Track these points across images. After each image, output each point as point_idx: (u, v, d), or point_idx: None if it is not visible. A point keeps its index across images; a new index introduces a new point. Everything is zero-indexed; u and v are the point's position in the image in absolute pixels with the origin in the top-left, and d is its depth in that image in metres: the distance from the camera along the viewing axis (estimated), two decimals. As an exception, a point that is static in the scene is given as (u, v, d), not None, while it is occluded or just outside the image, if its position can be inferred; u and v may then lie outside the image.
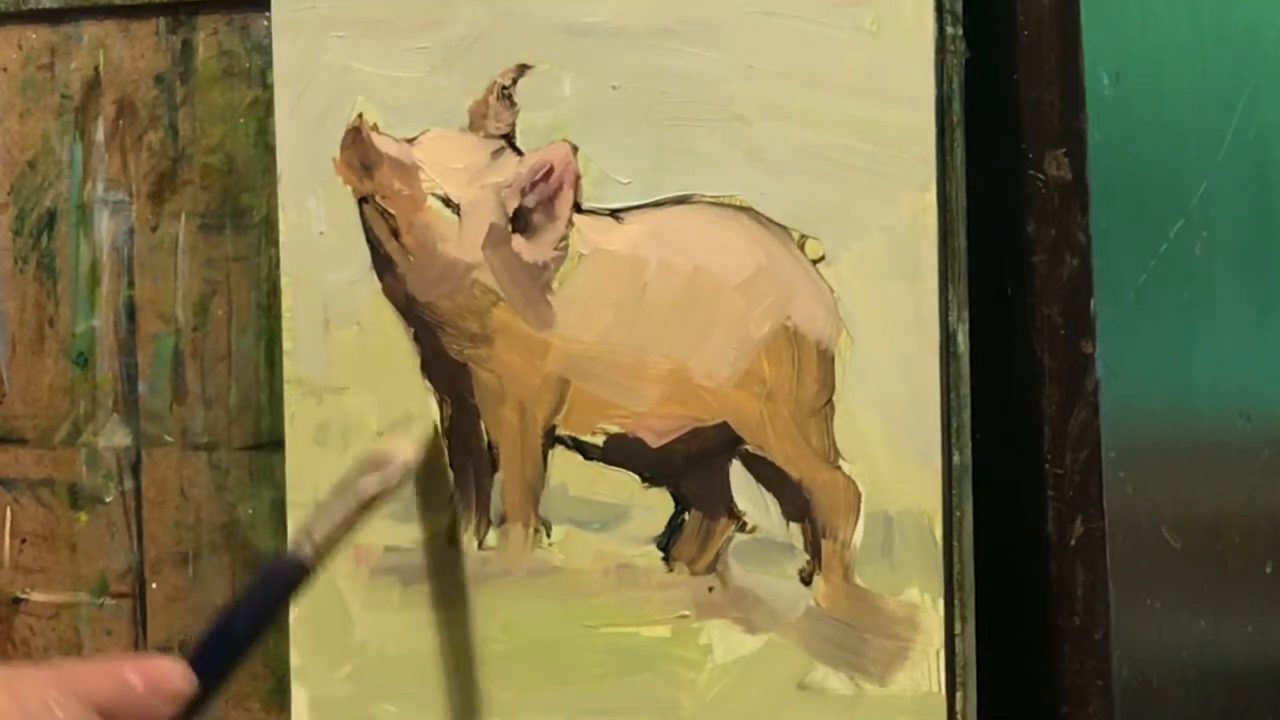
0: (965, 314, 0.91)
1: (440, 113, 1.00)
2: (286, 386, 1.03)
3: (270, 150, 1.05)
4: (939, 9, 0.91)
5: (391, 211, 1.00)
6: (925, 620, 0.91)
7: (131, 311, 1.11)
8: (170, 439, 1.11)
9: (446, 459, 0.99)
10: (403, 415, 1.00)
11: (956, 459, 0.91)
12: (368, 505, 0.93)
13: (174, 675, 0.78)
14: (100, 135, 1.12)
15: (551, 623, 0.98)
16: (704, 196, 0.95)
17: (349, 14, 1.01)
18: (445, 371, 1.00)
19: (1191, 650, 1.03)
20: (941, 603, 0.91)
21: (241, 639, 0.84)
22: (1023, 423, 0.94)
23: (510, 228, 0.98)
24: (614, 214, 0.97)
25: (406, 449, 0.97)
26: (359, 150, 1.01)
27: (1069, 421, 0.93)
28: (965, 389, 0.91)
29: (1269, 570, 1.10)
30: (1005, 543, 0.93)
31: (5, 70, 1.14)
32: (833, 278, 0.93)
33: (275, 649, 1.07)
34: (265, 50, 1.06)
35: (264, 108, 1.07)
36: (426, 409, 1.00)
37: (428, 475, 0.99)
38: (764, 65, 0.93)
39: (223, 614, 0.87)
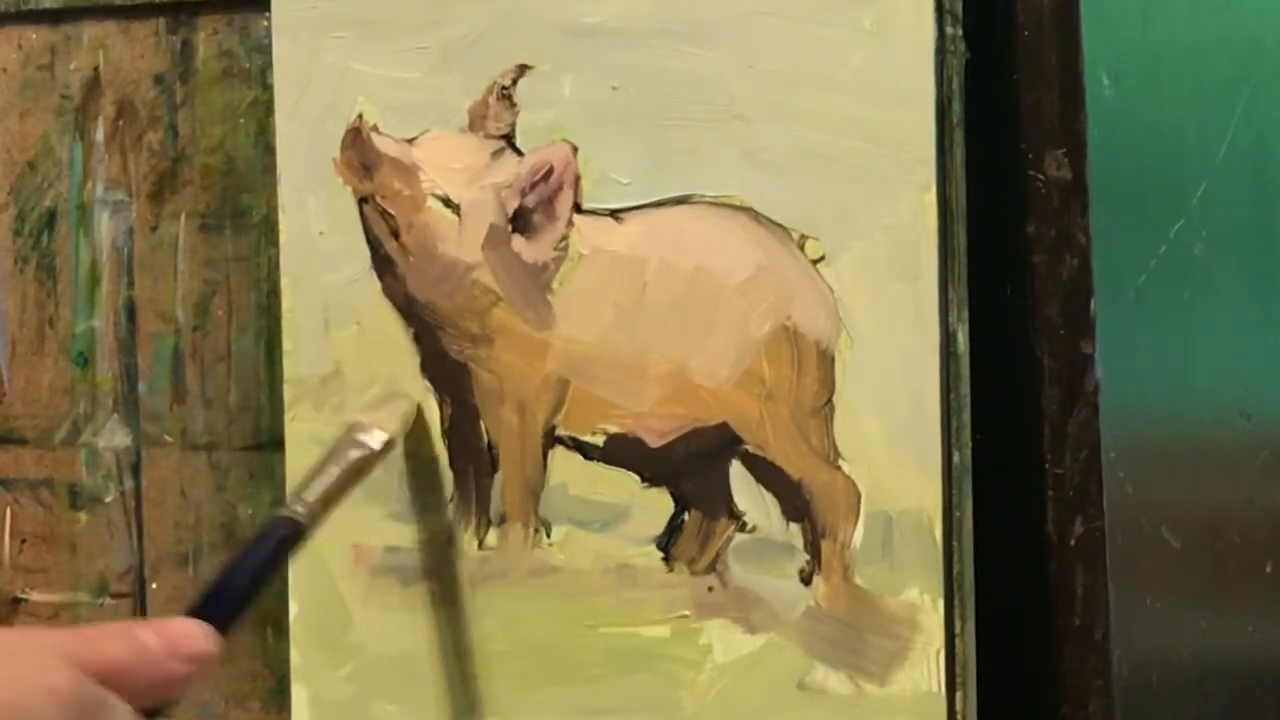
0: (965, 314, 0.91)
1: (440, 113, 1.00)
2: (286, 386, 1.03)
3: (270, 150, 1.05)
4: (939, 9, 0.91)
5: (391, 212, 1.01)
6: (925, 620, 0.91)
7: (131, 311, 1.11)
8: (170, 439, 1.11)
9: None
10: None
11: (956, 459, 0.91)
12: (356, 474, 0.94)
13: (194, 634, 0.75)
14: (100, 135, 1.12)
15: (551, 622, 0.98)
16: (704, 196, 0.95)
17: (349, 14, 1.01)
18: (445, 371, 1.00)
19: (1191, 650, 1.03)
20: (941, 603, 0.91)
21: (241, 596, 0.84)
22: (1023, 423, 0.94)
23: (510, 228, 0.98)
24: (614, 214, 0.97)
25: (390, 422, 0.98)
26: (359, 150, 1.01)
27: (1069, 421, 0.93)
28: (965, 389, 0.91)
29: (1269, 570, 1.10)
30: (1005, 543, 0.93)
31: (5, 70, 1.14)
32: (833, 278, 0.93)
33: (276, 648, 1.07)
34: (265, 50, 1.06)
35: (264, 108, 1.07)
36: (427, 407, 1.00)
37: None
38: (764, 65, 0.93)
39: (221, 573, 0.87)
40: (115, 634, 0.73)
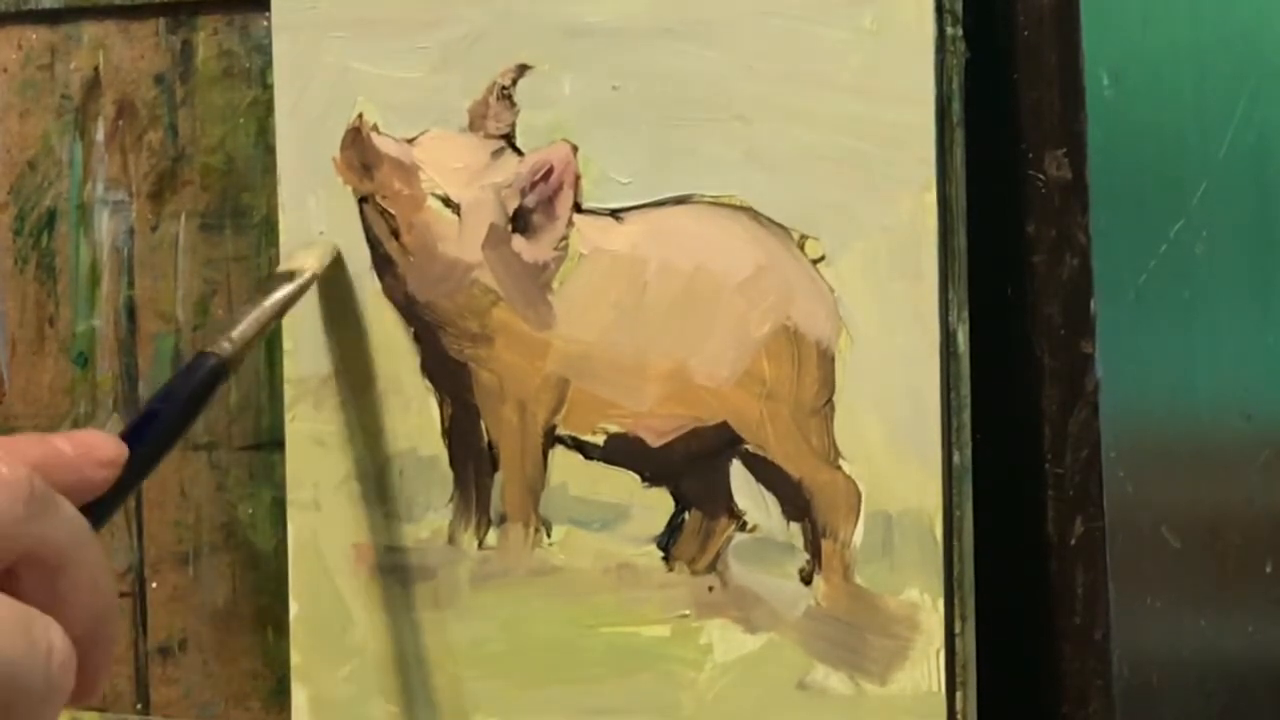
0: (965, 314, 0.91)
1: (440, 113, 1.00)
2: (286, 386, 1.03)
3: (270, 150, 1.05)
4: (939, 9, 0.91)
5: (392, 211, 1.01)
6: (925, 620, 0.91)
7: (131, 311, 1.11)
8: (170, 439, 1.10)
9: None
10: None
11: (956, 459, 0.91)
12: (279, 311, 0.97)
13: (104, 443, 0.77)
14: (100, 135, 1.12)
15: (551, 622, 0.98)
16: (704, 196, 0.95)
17: (349, 14, 1.01)
18: (445, 371, 1.00)
19: (1191, 650, 1.03)
20: (941, 602, 0.91)
21: (166, 426, 0.87)
22: (1023, 423, 0.94)
23: (510, 228, 0.98)
24: (614, 214, 0.97)
25: (310, 259, 1.00)
26: (359, 150, 1.01)
27: (1069, 421, 0.93)
28: (965, 389, 0.91)
29: (1269, 570, 1.10)
30: (1005, 543, 0.93)
31: (5, 70, 1.14)
32: (833, 278, 0.93)
33: (276, 648, 1.07)
34: (265, 50, 1.06)
35: (264, 108, 1.07)
36: (427, 407, 1.00)
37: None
38: (764, 65, 0.93)
39: (147, 406, 0.89)
40: (31, 440, 0.75)
